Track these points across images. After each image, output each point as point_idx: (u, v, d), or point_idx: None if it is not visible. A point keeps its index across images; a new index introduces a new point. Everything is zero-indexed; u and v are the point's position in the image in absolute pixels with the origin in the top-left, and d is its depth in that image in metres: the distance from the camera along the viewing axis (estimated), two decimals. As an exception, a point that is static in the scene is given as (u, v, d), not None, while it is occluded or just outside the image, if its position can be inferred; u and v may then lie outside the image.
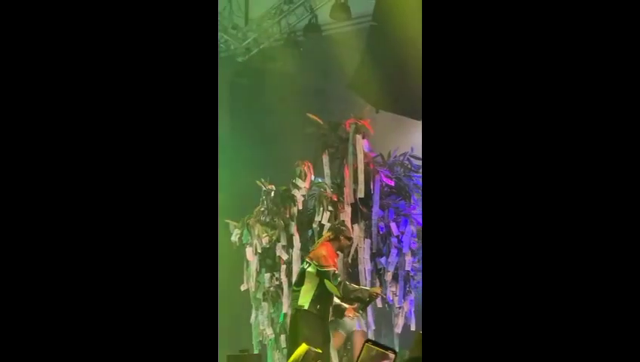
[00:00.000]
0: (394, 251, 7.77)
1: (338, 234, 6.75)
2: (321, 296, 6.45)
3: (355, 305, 6.82)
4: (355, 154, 7.83)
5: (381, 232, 7.86)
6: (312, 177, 8.13)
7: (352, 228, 7.70)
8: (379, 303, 7.70)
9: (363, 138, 7.92)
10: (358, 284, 7.56)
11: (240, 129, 10.16)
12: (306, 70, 10.02)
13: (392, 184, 8.00)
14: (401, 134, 8.67)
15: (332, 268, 6.42)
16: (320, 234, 7.41)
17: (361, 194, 7.77)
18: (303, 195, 8.06)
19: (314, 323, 6.42)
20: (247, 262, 8.20)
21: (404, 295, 7.84)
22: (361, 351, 1.91)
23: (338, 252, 6.85)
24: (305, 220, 8.04)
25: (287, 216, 8.04)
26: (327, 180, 8.06)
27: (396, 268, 7.80)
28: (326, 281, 6.37)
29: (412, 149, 8.18)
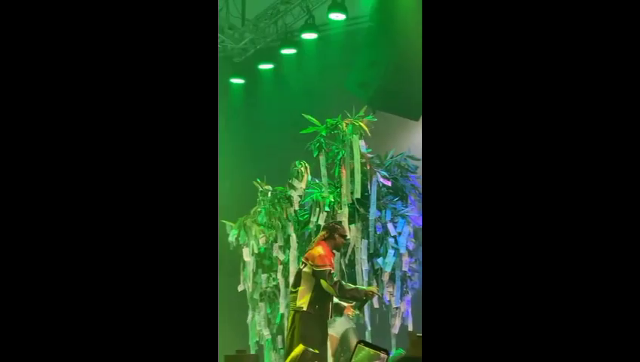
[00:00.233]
0: (391, 251, 7.77)
1: (333, 232, 6.74)
2: (319, 296, 6.44)
3: (352, 304, 6.83)
4: (352, 155, 7.83)
5: (378, 233, 7.86)
6: (309, 178, 8.12)
7: (350, 228, 7.70)
8: (375, 303, 7.71)
9: (360, 138, 7.92)
10: (355, 285, 7.57)
11: (236, 129, 10.16)
12: (302, 70, 10.02)
13: (389, 184, 8.00)
14: (398, 135, 8.67)
15: (328, 268, 6.42)
16: (317, 235, 7.41)
17: (358, 194, 7.77)
18: (300, 196, 8.06)
19: (312, 324, 6.41)
20: (244, 262, 8.20)
21: (402, 295, 7.84)
22: (354, 351, 1.91)
23: (334, 251, 6.84)
24: (302, 221, 8.04)
25: (284, 216, 8.04)
26: (324, 181, 8.06)
27: (393, 269, 7.80)
28: (322, 281, 6.37)
29: (409, 150, 8.18)
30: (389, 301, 7.82)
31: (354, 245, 7.76)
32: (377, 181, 7.88)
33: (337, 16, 9.34)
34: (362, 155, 7.88)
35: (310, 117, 8.17)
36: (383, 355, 1.88)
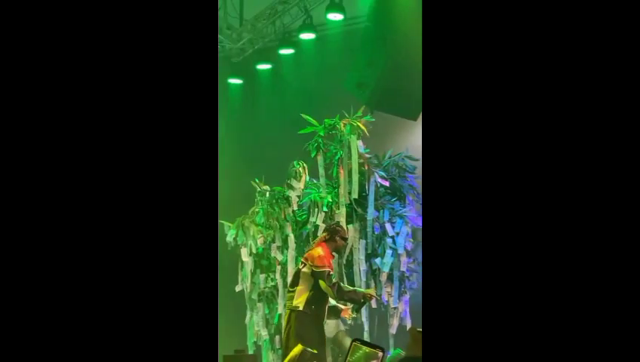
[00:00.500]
0: (389, 252, 7.77)
1: (334, 234, 6.74)
2: (316, 296, 6.44)
3: (350, 306, 6.83)
4: (350, 155, 7.83)
5: (376, 233, 7.86)
6: (307, 178, 8.13)
7: (347, 228, 7.70)
8: (374, 304, 7.71)
9: (358, 138, 7.92)
10: (353, 285, 7.58)
11: (234, 129, 10.15)
12: (300, 71, 10.02)
13: (387, 185, 8.00)
14: (396, 135, 8.67)
15: (327, 269, 6.42)
16: (315, 235, 7.41)
17: (355, 194, 7.77)
18: (298, 196, 8.06)
19: (309, 324, 6.41)
20: (242, 262, 8.20)
21: (399, 295, 7.84)
22: (350, 350, 1.89)
23: (334, 253, 6.85)
24: (300, 221, 8.05)
25: (282, 216, 8.04)
26: (322, 181, 8.06)
27: (391, 269, 7.81)
28: (321, 282, 6.37)
29: (407, 150, 8.19)
30: (387, 301, 7.82)
31: (352, 245, 7.76)
32: (375, 181, 7.89)
33: (335, 17, 9.33)
34: (360, 155, 7.88)
35: (308, 117, 8.17)
36: (379, 353, 1.87)
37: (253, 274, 8.16)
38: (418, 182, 7.98)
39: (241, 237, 8.14)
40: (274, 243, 8.01)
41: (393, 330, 7.81)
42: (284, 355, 6.41)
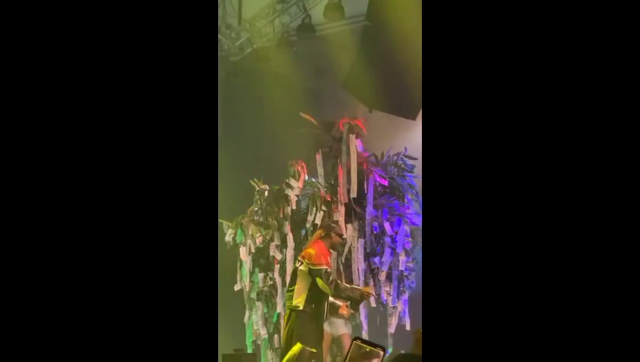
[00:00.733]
0: (388, 251, 7.77)
1: (329, 231, 6.75)
2: (315, 295, 6.44)
3: (348, 303, 6.84)
4: (348, 154, 7.83)
5: (375, 232, 7.86)
6: (306, 177, 8.13)
7: (346, 227, 7.70)
8: (373, 303, 7.71)
9: (356, 138, 7.92)
10: (352, 284, 7.58)
11: (233, 128, 10.15)
12: (299, 70, 10.01)
13: (386, 184, 8.00)
14: (395, 134, 8.67)
15: (324, 267, 6.42)
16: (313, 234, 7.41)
17: (354, 193, 7.77)
18: (297, 195, 8.05)
19: (308, 323, 6.41)
20: (241, 261, 8.19)
21: (398, 294, 7.84)
22: (350, 348, 1.88)
23: (331, 250, 6.85)
24: (298, 220, 8.04)
25: (281, 215, 8.04)
26: (321, 180, 8.06)
27: (390, 268, 7.80)
28: (318, 280, 6.38)
29: (405, 149, 8.18)
30: (386, 300, 7.82)
31: (350, 244, 7.76)
32: (374, 180, 7.88)
33: (334, 16, 9.33)
34: (359, 154, 7.87)
35: (307, 116, 8.17)
36: (380, 352, 1.86)
37: (252, 273, 8.16)
38: (417, 182, 7.98)
39: (240, 236, 8.14)
40: (273, 242, 8.00)
41: (392, 329, 7.81)
42: (284, 354, 6.41)
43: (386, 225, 7.81)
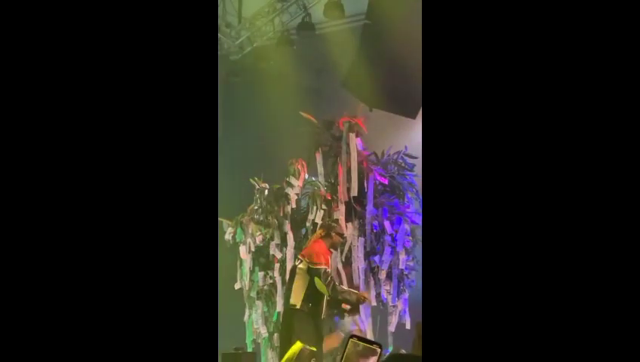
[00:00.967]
0: (388, 249, 7.76)
1: (330, 230, 6.75)
2: (313, 294, 6.44)
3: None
4: (348, 153, 7.83)
5: (375, 231, 7.86)
6: (306, 176, 8.12)
7: (346, 226, 7.69)
8: (373, 301, 7.72)
9: (357, 136, 7.92)
10: (352, 283, 7.58)
11: (233, 127, 10.14)
12: (299, 68, 10.01)
13: (386, 182, 8.00)
14: (395, 133, 8.67)
15: (323, 266, 6.42)
16: (314, 233, 7.41)
17: (354, 192, 7.77)
18: (297, 194, 8.05)
19: (306, 322, 6.41)
20: (241, 260, 8.19)
21: (398, 293, 7.84)
22: (346, 346, 1.87)
23: (331, 249, 6.84)
24: (298, 219, 8.03)
25: (281, 214, 8.03)
26: (321, 179, 8.05)
27: (390, 267, 7.80)
28: (316, 279, 6.38)
29: (406, 148, 8.18)
30: (386, 299, 7.81)
31: (351, 243, 7.76)
32: (374, 179, 7.88)
33: (334, 14, 9.33)
34: (359, 153, 7.87)
35: (307, 115, 8.17)
36: (377, 349, 1.84)
37: (252, 271, 8.15)
38: (417, 180, 7.98)
39: (240, 235, 8.14)
40: (273, 240, 8.00)
41: (392, 328, 7.80)
42: (283, 353, 6.41)
43: (386, 224, 7.80)
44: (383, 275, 7.79)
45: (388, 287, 7.83)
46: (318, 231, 6.90)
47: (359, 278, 7.70)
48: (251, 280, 8.17)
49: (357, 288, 7.57)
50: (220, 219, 8.17)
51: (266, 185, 8.29)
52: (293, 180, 8.03)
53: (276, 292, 7.97)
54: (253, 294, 8.18)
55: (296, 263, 6.62)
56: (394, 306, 7.82)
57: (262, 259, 8.15)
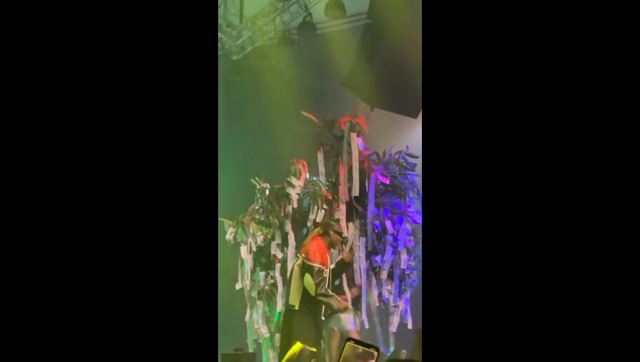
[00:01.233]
0: (389, 249, 7.74)
1: (328, 229, 6.73)
2: (311, 294, 6.43)
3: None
4: (350, 153, 7.82)
5: (376, 230, 7.84)
6: (307, 175, 8.11)
7: (347, 226, 7.68)
8: (376, 301, 7.71)
9: (358, 136, 7.90)
10: (354, 283, 7.57)
11: (234, 127, 10.14)
12: (300, 68, 10.00)
13: (388, 182, 7.98)
14: (397, 132, 8.65)
15: (318, 265, 6.40)
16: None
17: (356, 192, 7.75)
18: (298, 193, 8.04)
19: (306, 322, 6.41)
20: (242, 260, 8.18)
21: (400, 293, 7.82)
22: (343, 349, 1.87)
23: (330, 248, 6.82)
24: (300, 219, 8.02)
25: (282, 214, 8.02)
26: (322, 178, 8.04)
27: (391, 267, 7.78)
28: (306, 275, 6.36)
29: (407, 147, 8.16)
30: (388, 299, 7.80)
31: (352, 243, 7.74)
32: (375, 178, 7.86)
33: (335, 14, 9.33)
34: (360, 153, 7.86)
35: (308, 114, 8.15)
36: (374, 353, 1.84)
37: (253, 271, 8.15)
38: (418, 180, 7.96)
39: (241, 235, 8.13)
40: (274, 240, 7.99)
41: (394, 328, 7.79)
42: (283, 354, 6.40)
43: (388, 224, 7.78)
44: (384, 275, 7.78)
45: (389, 287, 7.81)
46: (316, 229, 6.88)
47: (361, 278, 7.69)
48: (252, 280, 8.16)
49: (359, 288, 7.56)
50: (221, 219, 8.16)
51: (267, 184, 8.28)
52: (294, 180, 8.02)
53: (277, 292, 7.96)
54: (254, 294, 8.17)
55: (295, 261, 6.63)
56: (395, 306, 7.80)
57: (263, 258, 8.14)
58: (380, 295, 7.78)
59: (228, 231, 8.23)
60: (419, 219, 7.84)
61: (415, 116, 8.03)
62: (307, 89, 9.59)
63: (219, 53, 10.17)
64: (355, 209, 7.84)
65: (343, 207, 7.77)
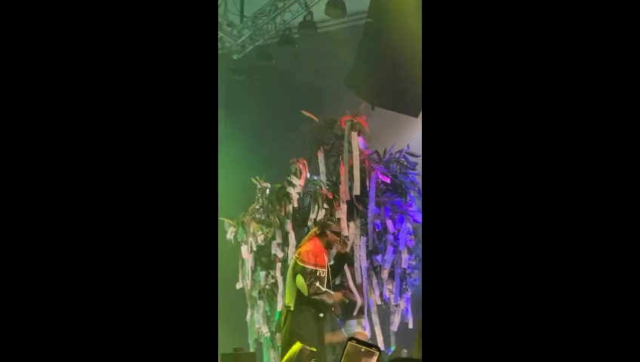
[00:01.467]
0: (390, 248, 7.73)
1: (325, 228, 6.73)
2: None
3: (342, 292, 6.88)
4: (350, 152, 7.80)
5: (377, 230, 7.83)
6: (308, 175, 8.10)
7: (348, 225, 7.67)
8: (377, 300, 7.70)
9: (359, 135, 7.89)
10: (354, 282, 7.57)
11: (235, 126, 10.14)
12: (301, 67, 10.02)
13: (388, 181, 7.97)
14: (397, 131, 8.65)
15: (311, 267, 6.41)
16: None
17: (356, 191, 7.74)
18: (298, 193, 8.04)
19: (303, 321, 6.41)
20: (243, 260, 8.18)
21: (401, 292, 7.81)
22: (345, 349, 1.87)
23: (327, 248, 6.81)
24: (300, 218, 8.02)
25: (283, 213, 8.02)
26: (323, 178, 8.04)
27: (392, 266, 7.78)
28: (298, 276, 6.37)
29: (408, 146, 8.16)
30: (389, 298, 7.79)
31: (353, 242, 7.74)
32: (376, 178, 7.85)
33: (336, 13, 9.34)
34: (361, 152, 7.85)
35: (309, 113, 8.15)
36: (376, 353, 1.84)
37: (253, 271, 8.14)
38: (419, 179, 7.95)
39: (242, 235, 8.13)
40: (274, 240, 7.98)
41: (395, 328, 7.79)
42: (284, 353, 6.40)
43: (389, 223, 7.77)
44: (385, 274, 7.77)
45: (390, 286, 7.80)
46: (313, 230, 6.88)
47: (361, 277, 7.68)
48: (253, 280, 8.16)
49: (360, 287, 7.56)
50: (221, 218, 8.16)
51: (268, 184, 8.28)
52: (294, 179, 8.01)
53: (278, 291, 7.95)
54: (254, 294, 8.16)
55: (289, 263, 6.65)
56: (396, 305, 7.79)
57: (263, 258, 8.14)
58: (380, 294, 7.77)
59: (228, 230, 8.23)
60: (420, 218, 7.82)
61: (416, 115, 8.02)
62: (307, 88, 9.61)
63: (220, 52, 10.19)
64: (356, 208, 7.82)
65: (343, 206, 7.76)
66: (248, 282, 8.16)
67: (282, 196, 8.09)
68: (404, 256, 7.76)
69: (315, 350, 6.16)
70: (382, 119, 8.31)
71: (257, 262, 8.15)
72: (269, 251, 8.05)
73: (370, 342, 1.88)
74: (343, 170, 7.83)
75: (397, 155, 8.17)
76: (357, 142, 7.84)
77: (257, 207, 8.27)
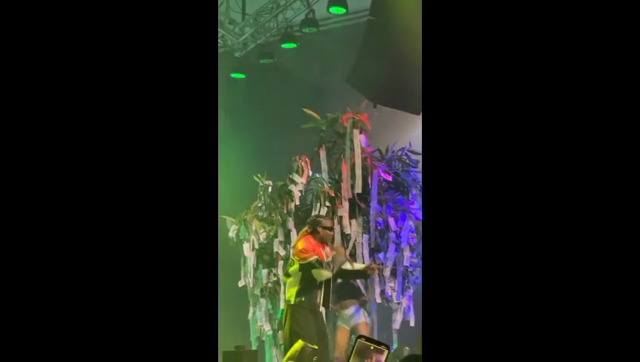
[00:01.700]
0: (392, 246, 7.74)
1: (315, 226, 6.73)
2: (306, 288, 6.46)
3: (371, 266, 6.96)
4: (352, 150, 7.81)
5: (379, 227, 7.83)
6: (310, 172, 8.11)
7: (350, 223, 7.68)
8: (378, 298, 7.70)
9: (360, 133, 7.89)
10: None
11: (236, 124, 10.15)
12: (302, 65, 10.01)
13: (390, 179, 7.98)
14: (399, 129, 8.65)
15: (313, 257, 6.42)
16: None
17: (358, 189, 7.75)
18: (300, 190, 8.04)
19: (303, 317, 6.41)
20: (245, 258, 8.18)
21: (403, 290, 7.82)
22: (354, 347, 1.89)
23: (322, 243, 6.81)
24: (302, 216, 8.02)
25: (285, 211, 8.02)
26: (325, 175, 8.04)
27: (394, 264, 7.78)
28: (314, 271, 6.37)
29: (410, 144, 8.16)
30: (391, 296, 7.80)
31: (355, 240, 7.74)
32: (378, 175, 7.86)
33: (338, 10, 9.34)
34: (363, 150, 7.85)
35: (311, 111, 8.15)
36: (384, 351, 1.86)
37: (255, 269, 8.15)
38: (421, 176, 7.95)
39: (244, 233, 8.13)
40: (276, 238, 7.99)
41: (397, 326, 7.79)
42: (286, 351, 6.41)
43: (391, 221, 7.78)
44: (387, 272, 7.77)
45: (392, 284, 7.81)
46: (304, 229, 6.88)
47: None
48: (255, 278, 8.16)
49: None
50: (223, 216, 8.17)
51: (270, 182, 8.29)
52: (296, 177, 8.01)
53: (280, 289, 7.96)
54: (257, 292, 8.17)
55: (288, 267, 6.66)
56: (398, 303, 7.80)
57: (265, 256, 8.14)
58: (382, 292, 7.78)
59: (230, 228, 8.24)
60: (421, 215, 7.83)
61: (418, 113, 8.01)
62: (309, 86, 9.61)
63: (221, 50, 10.19)
64: (358, 206, 7.83)
65: (345, 204, 7.76)
66: (250, 280, 8.17)
67: (284, 194, 8.09)
68: (406, 253, 7.77)
69: (316, 347, 6.15)
70: (384, 117, 8.31)
71: (259, 260, 8.16)
72: (271, 249, 8.06)
73: (378, 339, 1.90)
74: (345, 168, 7.83)
75: (399, 153, 8.17)
76: (359, 139, 7.84)
77: (259, 204, 8.28)
